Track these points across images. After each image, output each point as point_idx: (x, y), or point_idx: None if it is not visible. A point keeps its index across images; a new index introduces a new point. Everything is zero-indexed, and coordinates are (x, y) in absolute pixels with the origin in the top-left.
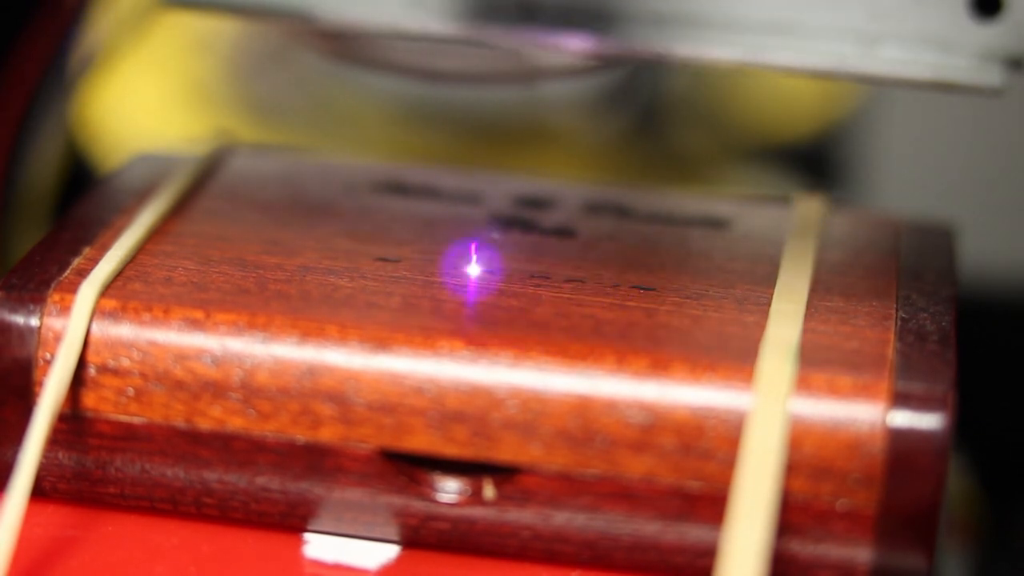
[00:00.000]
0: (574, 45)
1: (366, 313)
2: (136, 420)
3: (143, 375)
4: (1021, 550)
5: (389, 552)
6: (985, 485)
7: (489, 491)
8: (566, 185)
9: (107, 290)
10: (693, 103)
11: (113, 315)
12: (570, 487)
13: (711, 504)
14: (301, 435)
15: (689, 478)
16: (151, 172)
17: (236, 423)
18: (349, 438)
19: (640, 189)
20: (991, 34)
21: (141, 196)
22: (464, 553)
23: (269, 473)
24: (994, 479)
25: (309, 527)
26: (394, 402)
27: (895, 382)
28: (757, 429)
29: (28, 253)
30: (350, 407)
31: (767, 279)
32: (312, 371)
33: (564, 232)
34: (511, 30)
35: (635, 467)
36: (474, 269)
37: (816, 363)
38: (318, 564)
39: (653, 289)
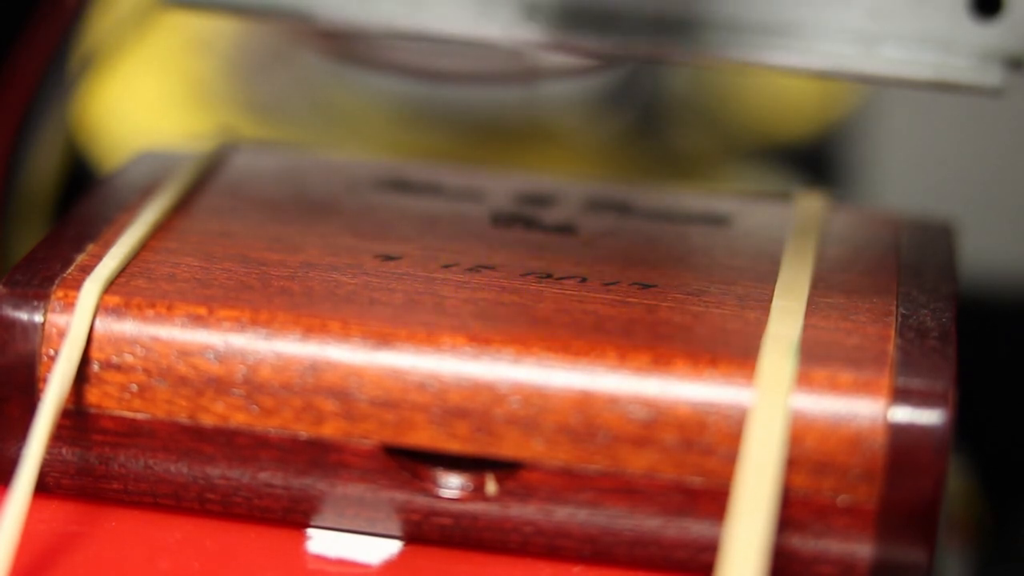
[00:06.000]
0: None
1: (368, 309)
2: (139, 416)
3: (146, 371)
4: (1021, 550)
5: (391, 548)
6: (985, 485)
7: (491, 487)
8: (567, 182)
9: (111, 286)
10: (693, 103)
11: (116, 311)
12: (572, 482)
13: (712, 499)
14: (304, 431)
15: (690, 474)
16: (154, 169)
17: (239, 419)
18: (352, 434)
19: (641, 186)
20: (991, 34)
21: (144, 193)
22: (466, 548)
23: (272, 469)
24: (994, 479)
25: (312, 523)
26: (396, 398)
27: (896, 378)
28: (758, 425)
29: (32, 250)
30: (353, 403)
31: (768, 276)
32: (315, 367)
33: (566, 229)
34: (513, 31)
35: (637, 463)
36: None
37: (817, 359)
38: (321, 559)
39: (654, 286)
